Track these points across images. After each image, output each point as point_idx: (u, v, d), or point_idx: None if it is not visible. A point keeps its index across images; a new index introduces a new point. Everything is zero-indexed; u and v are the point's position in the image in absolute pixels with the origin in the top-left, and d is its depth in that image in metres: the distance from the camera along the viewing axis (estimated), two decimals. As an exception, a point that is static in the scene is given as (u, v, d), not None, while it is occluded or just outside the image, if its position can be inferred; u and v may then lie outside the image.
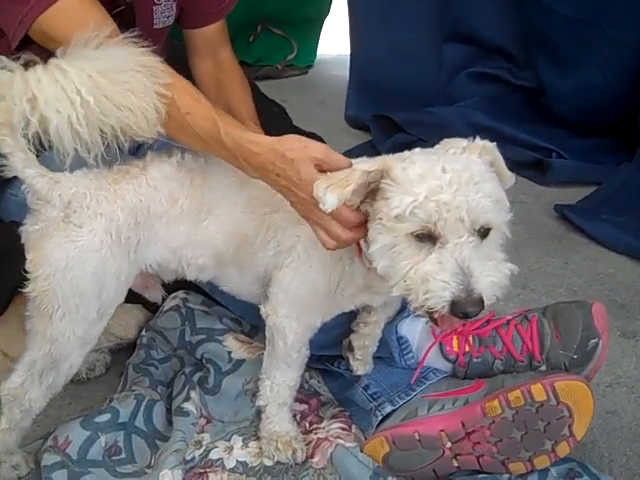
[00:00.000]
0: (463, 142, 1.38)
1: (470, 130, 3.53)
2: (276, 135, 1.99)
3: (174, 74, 1.59)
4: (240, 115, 1.99)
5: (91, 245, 1.47)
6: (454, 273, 1.24)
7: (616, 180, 3.18)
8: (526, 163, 3.38)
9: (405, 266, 1.29)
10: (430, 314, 1.32)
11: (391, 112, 3.68)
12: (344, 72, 4.38)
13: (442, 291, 1.25)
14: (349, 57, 4.27)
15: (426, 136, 3.36)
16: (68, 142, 1.38)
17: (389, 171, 1.32)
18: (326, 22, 5.11)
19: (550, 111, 3.78)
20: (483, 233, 1.29)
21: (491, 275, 1.27)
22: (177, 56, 2.16)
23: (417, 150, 1.39)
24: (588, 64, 3.50)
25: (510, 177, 1.44)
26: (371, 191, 1.36)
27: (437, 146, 1.42)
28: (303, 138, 1.46)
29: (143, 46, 1.51)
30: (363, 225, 1.40)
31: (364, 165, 1.33)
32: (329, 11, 5.04)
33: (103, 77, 1.39)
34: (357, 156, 1.59)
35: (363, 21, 4.12)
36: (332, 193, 1.30)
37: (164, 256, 1.62)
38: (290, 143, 1.44)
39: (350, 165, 1.40)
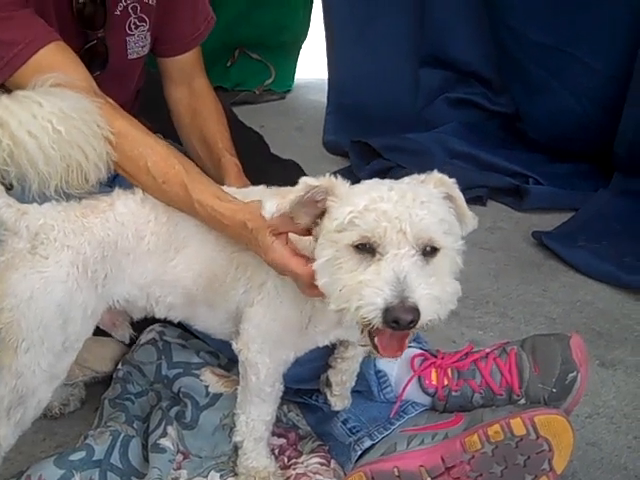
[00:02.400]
0: (422, 176, 1.38)
1: (448, 156, 3.59)
2: (254, 164, 2.00)
3: (144, 134, 1.63)
4: (215, 145, 1.98)
5: (57, 277, 1.46)
6: (389, 281, 1.20)
7: (592, 207, 3.20)
8: (504, 189, 3.41)
9: (343, 277, 1.27)
10: (366, 328, 1.26)
11: (369, 138, 3.68)
12: (322, 97, 4.39)
13: (374, 297, 1.20)
14: (327, 81, 4.27)
15: (404, 162, 3.38)
16: (41, 165, 1.39)
17: (334, 188, 1.31)
18: (304, 47, 5.12)
19: (526, 137, 3.80)
20: (429, 252, 1.25)
21: (429, 289, 1.22)
22: (153, 85, 2.17)
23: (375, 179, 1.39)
24: (560, 90, 3.54)
25: (471, 218, 1.38)
26: (321, 213, 1.35)
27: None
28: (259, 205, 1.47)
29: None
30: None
31: (310, 179, 1.33)
32: (307, 36, 5.04)
33: (74, 113, 1.40)
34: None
35: (340, 46, 4.14)
36: (273, 201, 1.32)
37: (132, 293, 1.60)
38: (249, 212, 1.49)
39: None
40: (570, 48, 3.42)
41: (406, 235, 1.22)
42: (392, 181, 1.33)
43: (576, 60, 3.43)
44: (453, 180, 1.37)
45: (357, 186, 1.32)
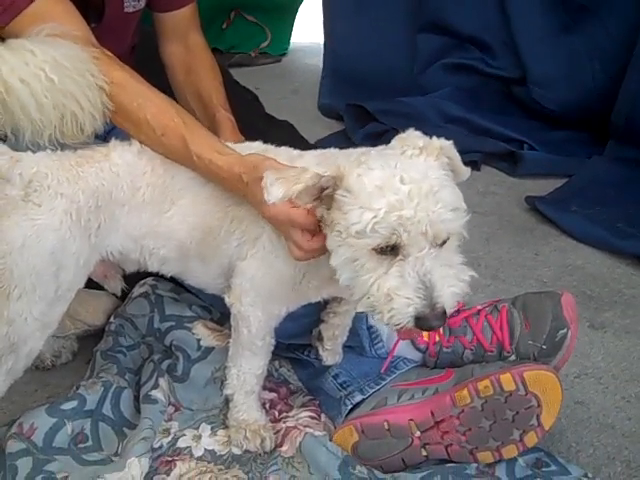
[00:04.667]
0: (420, 141, 1.33)
1: (442, 121, 3.58)
2: (250, 123, 2.00)
3: (143, 85, 1.63)
4: (210, 101, 1.97)
5: (50, 224, 1.45)
6: (417, 288, 1.23)
7: (587, 173, 3.20)
8: (498, 155, 3.40)
9: (367, 281, 1.27)
10: (396, 328, 1.30)
11: (364, 101, 3.66)
12: (318, 61, 4.38)
13: (406, 307, 1.24)
14: (323, 46, 4.25)
15: (398, 126, 3.31)
16: (33, 113, 1.39)
17: (343, 179, 1.28)
18: (300, 10, 5.09)
19: (524, 101, 3.77)
20: (443, 242, 1.28)
21: (453, 285, 1.26)
22: (148, 42, 2.15)
23: (373, 153, 1.35)
24: (579, 51, 3.51)
25: (465, 171, 1.40)
26: (326, 197, 1.33)
27: (393, 142, 1.38)
28: (258, 158, 1.48)
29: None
30: (321, 232, 1.39)
31: (318, 168, 1.29)
32: (303, -1, 5.02)
33: (68, 62, 1.39)
34: (329, 146, 1.59)
35: (337, 9, 4.12)
36: (279, 187, 1.27)
37: (125, 245, 1.60)
38: (245, 165, 1.48)
39: None
40: (594, 6, 3.42)
41: (426, 235, 1.23)
42: (397, 159, 1.29)
43: (598, 20, 3.43)
44: (450, 143, 1.36)
45: (367, 177, 1.26)
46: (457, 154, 1.37)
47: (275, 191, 1.27)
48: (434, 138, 1.36)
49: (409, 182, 1.23)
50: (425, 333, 1.75)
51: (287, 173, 1.30)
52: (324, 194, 1.32)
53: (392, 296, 1.25)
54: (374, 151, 1.36)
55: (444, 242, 1.27)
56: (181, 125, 1.59)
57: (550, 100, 3.64)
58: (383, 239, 1.23)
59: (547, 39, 3.62)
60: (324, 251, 1.41)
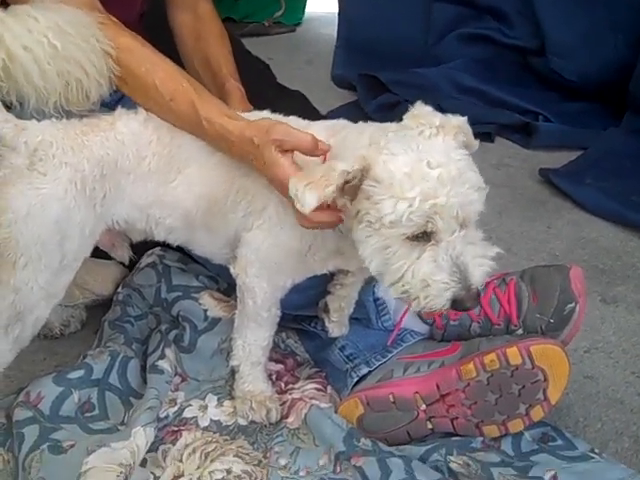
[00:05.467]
0: (435, 119, 1.32)
1: (456, 92, 3.54)
2: (260, 92, 1.98)
3: (152, 52, 1.61)
4: (219, 70, 1.94)
5: (54, 194, 1.44)
6: (451, 272, 1.25)
7: (602, 145, 3.16)
8: (512, 126, 3.35)
9: (400, 268, 1.27)
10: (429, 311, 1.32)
11: (378, 72, 3.62)
12: (332, 31, 4.34)
13: (443, 292, 1.26)
14: (337, 15, 4.20)
15: (412, 97, 3.28)
16: (37, 80, 1.37)
17: (369, 170, 1.26)
18: (315, -21, 5.06)
19: (541, 72, 3.72)
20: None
21: (482, 264, 1.28)
22: (157, 10, 2.13)
23: (391, 135, 1.31)
24: (600, 21, 3.46)
25: (476, 144, 1.40)
26: (350, 187, 1.30)
27: (405, 120, 1.36)
28: (269, 122, 1.46)
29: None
30: (336, 212, 1.37)
31: (344, 164, 1.26)
32: (318, -32, 4.97)
33: (71, 28, 1.38)
34: (341, 117, 1.57)
35: (352, -21, 4.07)
36: (311, 193, 1.25)
37: (131, 214, 1.59)
38: (256, 129, 1.46)
39: (311, 139, 1.39)
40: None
41: (457, 219, 1.24)
42: (417, 141, 1.27)
43: None
44: (464, 119, 1.36)
45: (393, 164, 1.24)
46: (470, 129, 1.37)
47: (309, 199, 1.25)
48: (449, 116, 1.35)
49: (436, 166, 1.23)
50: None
51: (314, 176, 1.28)
52: (348, 185, 1.29)
53: (428, 282, 1.26)
54: (391, 133, 1.33)
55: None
56: (190, 90, 1.57)
57: (570, 71, 3.58)
58: (418, 227, 1.24)
59: (567, 8, 3.54)
60: (332, 225, 1.40)
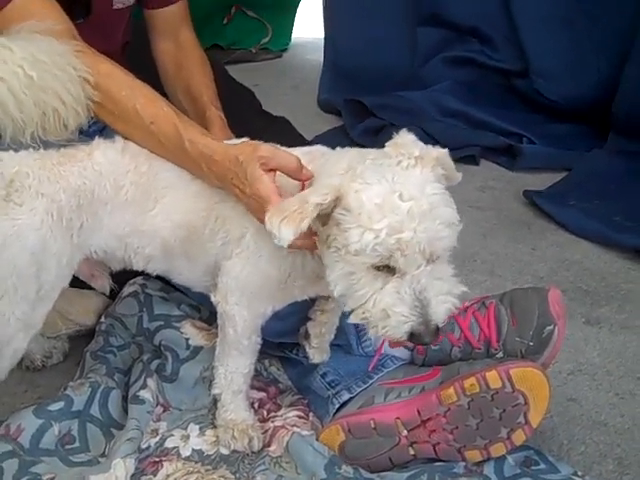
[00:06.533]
0: (415, 149, 1.31)
1: (441, 115, 3.56)
2: (244, 119, 1.99)
3: (131, 78, 1.63)
4: (200, 98, 1.96)
5: (30, 224, 1.44)
6: (412, 306, 1.25)
7: (586, 166, 3.18)
8: (497, 148, 3.38)
9: (363, 296, 1.28)
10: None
11: (363, 96, 3.66)
12: (319, 56, 4.36)
13: (402, 325, 1.26)
14: (323, 41, 4.24)
15: (397, 121, 3.35)
16: (13, 110, 1.38)
17: (342, 199, 1.27)
18: (301, 5, 5.08)
19: (525, 94, 3.76)
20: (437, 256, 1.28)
21: (446, 302, 1.28)
22: (139, 40, 2.14)
23: (368, 163, 1.32)
24: (583, 42, 3.51)
25: (458, 176, 1.41)
26: (322, 214, 1.31)
27: (387, 148, 1.36)
28: (255, 142, 1.49)
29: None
30: (310, 235, 1.37)
31: (317, 196, 1.27)
32: (304, -6, 5.01)
33: (47, 57, 1.39)
34: (327, 142, 1.60)
35: (338, 5, 4.12)
36: (287, 228, 1.26)
37: (109, 243, 1.59)
38: (242, 147, 1.48)
39: (296, 162, 1.41)
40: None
41: (424, 254, 1.24)
42: (393, 171, 1.27)
43: (601, 9, 3.45)
44: (446, 151, 1.36)
45: (365, 194, 1.25)
46: (451, 162, 1.37)
47: (285, 233, 1.26)
48: (429, 146, 1.35)
49: (408, 199, 1.23)
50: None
51: (288, 210, 1.28)
52: (320, 213, 1.30)
53: (388, 313, 1.26)
54: (369, 161, 1.33)
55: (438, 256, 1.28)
56: (172, 113, 1.59)
57: (553, 92, 3.63)
58: (382, 259, 1.24)
59: (551, 30, 3.60)
60: (309, 248, 1.41)
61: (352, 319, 1.33)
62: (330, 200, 1.27)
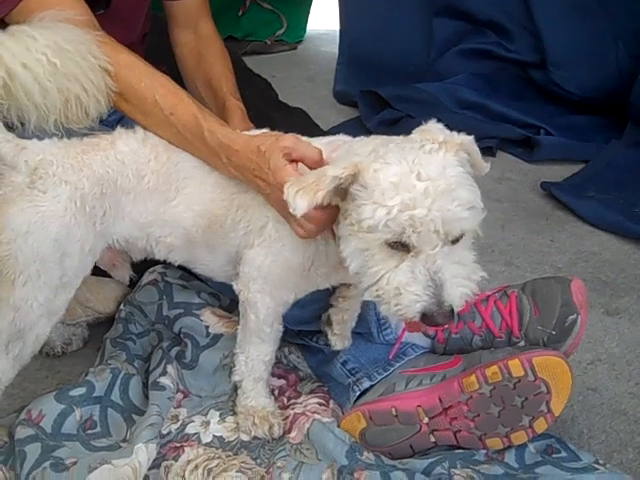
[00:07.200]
0: (440, 135, 1.32)
1: (458, 107, 3.55)
2: (261, 110, 1.99)
3: (151, 69, 1.63)
4: (220, 89, 1.96)
5: (54, 211, 1.45)
6: (426, 285, 1.24)
7: (604, 158, 3.17)
8: (514, 140, 3.38)
9: (377, 272, 1.28)
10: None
11: (379, 87, 3.65)
12: (334, 48, 4.35)
13: (414, 304, 1.25)
14: (338, 33, 4.23)
15: (414, 112, 3.35)
16: (37, 97, 1.39)
17: (359, 175, 1.28)
18: (316, -3, 5.07)
19: (542, 86, 3.75)
20: (457, 239, 1.27)
21: (462, 285, 1.27)
22: (159, 31, 2.14)
23: (392, 146, 1.32)
24: (602, 32, 3.49)
25: (485, 167, 1.40)
26: (341, 189, 1.31)
27: (414, 134, 1.36)
28: (276, 133, 1.50)
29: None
30: (332, 216, 1.38)
31: (335, 169, 1.28)
32: (319, -14, 4.99)
33: (69, 45, 1.39)
34: (342, 133, 1.60)
35: (353, -4, 4.09)
36: (302, 198, 1.27)
37: (131, 232, 1.60)
38: (264, 138, 1.49)
39: (319, 153, 1.42)
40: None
41: (439, 234, 1.22)
42: (416, 153, 1.27)
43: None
44: (471, 138, 1.35)
45: (383, 172, 1.25)
46: (477, 149, 1.37)
47: (300, 203, 1.27)
48: (454, 133, 1.34)
49: (426, 179, 1.22)
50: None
51: (306, 181, 1.29)
52: (339, 188, 1.31)
53: (401, 291, 1.25)
54: (393, 144, 1.33)
55: (457, 239, 1.27)
56: (191, 103, 1.59)
57: (571, 83, 3.61)
58: (394, 235, 1.23)
59: (568, 20, 3.58)
60: (329, 223, 1.42)
61: (366, 296, 1.32)
62: (347, 175, 1.27)
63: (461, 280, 1.27)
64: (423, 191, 1.21)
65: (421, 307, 1.25)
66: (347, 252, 1.32)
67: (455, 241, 1.27)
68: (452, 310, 1.26)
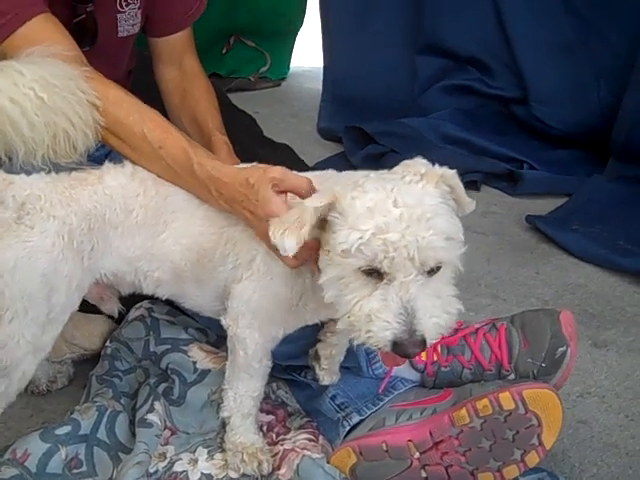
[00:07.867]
0: (422, 168, 1.32)
1: (442, 142, 3.58)
2: (247, 146, 1.99)
3: (139, 103, 1.63)
4: (206, 125, 1.96)
5: (42, 246, 1.44)
6: (397, 314, 1.22)
7: (586, 191, 3.20)
8: (498, 174, 3.40)
9: (350, 300, 1.27)
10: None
11: (364, 123, 3.67)
12: (317, 85, 4.39)
13: (384, 331, 1.23)
14: (322, 70, 4.27)
15: (398, 147, 3.37)
16: (25, 131, 1.38)
17: (337, 203, 1.28)
18: (300, 34, 5.11)
19: (524, 121, 3.80)
20: (434, 270, 1.25)
21: (435, 316, 1.24)
22: (144, 66, 2.15)
23: (372, 175, 1.34)
24: (583, 69, 3.54)
25: (469, 203, 1.39)
26: (321, 220, 1.31)
27: (396, 168, 1.37)
28: (264, 165, 1.49)
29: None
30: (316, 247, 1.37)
31: (314, 201, 1.29)
32: (302, 23, 5.03)
33: (57, 80, 1.39)
34: (328, 168, 1.60)
35: (336, 33, 4.13)
36: (289, 238, 1.27)
37: (119, 267, 1.59)
38: (252, 170, 1.49)
39: (308, 183, 1.42)
40: (597, 22, 3.45)
41: (414, 261, 1.21)
42: (395, 183, 1.27)
43: (600, 36, 3.47)
44: (453, 172, 1.35)
45: (360, 200, 1.25)
46: (460, 183, 1.35)
47: (288, 244, 1.27)
48: (437, 166, 1.35)
49: (402, 206, 1.22)
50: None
51: (289, 220, 1.29)
52: (319, 218, 1.30)
53: (372, 318, 1.23)
54: (373, 174, 1.35)
55: (434, 270, 1.25)
56: (180, 137, 1.59)
57: (553, 118, 3.67)
58: (367, 261, 1.22)
59: (551, 58, 3.65)
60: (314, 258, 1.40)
61: (339, 325, 1.31)
62: (326, 203, 1.27)
63: (435, 311, 1.25)
64: (398, 216, 1.21)
65: (391, 335, 1.22)
66: (323, 280, 1.31)
67: (432, 272, 1.25)
68: (424, 340, 1.23)
